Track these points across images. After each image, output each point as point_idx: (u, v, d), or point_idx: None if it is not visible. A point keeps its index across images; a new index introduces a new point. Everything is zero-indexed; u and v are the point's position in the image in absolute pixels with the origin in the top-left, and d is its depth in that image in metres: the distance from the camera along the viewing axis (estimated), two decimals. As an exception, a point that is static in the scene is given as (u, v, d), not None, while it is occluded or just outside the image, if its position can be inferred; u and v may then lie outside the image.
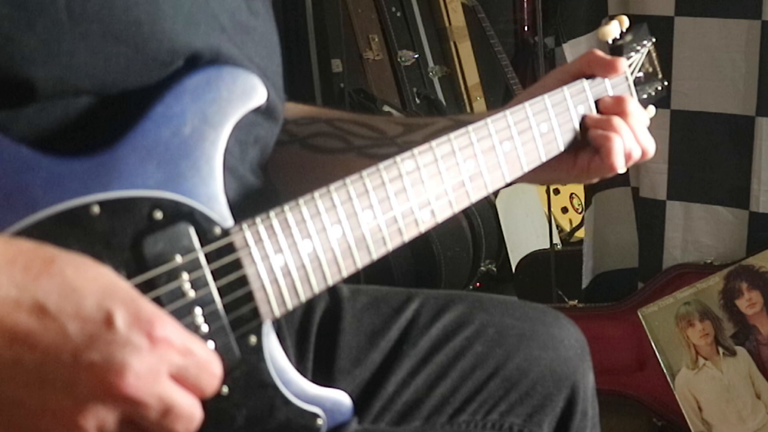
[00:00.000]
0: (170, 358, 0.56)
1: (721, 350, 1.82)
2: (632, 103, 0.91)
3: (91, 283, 0.55)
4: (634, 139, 0.89)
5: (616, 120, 0.88)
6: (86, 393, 0.53)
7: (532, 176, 0.88)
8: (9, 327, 0.52)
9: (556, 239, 2.82)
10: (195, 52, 0.67)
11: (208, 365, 0.59)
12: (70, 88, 0.63)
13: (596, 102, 0.91)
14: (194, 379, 0.58)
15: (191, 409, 0.57)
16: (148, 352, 0.54)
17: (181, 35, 0.66)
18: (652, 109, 0.98)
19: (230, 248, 0.64)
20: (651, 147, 0.91)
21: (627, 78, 0.96)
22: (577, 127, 0.90)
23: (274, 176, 0.83)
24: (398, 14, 3.43)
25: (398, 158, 0.74)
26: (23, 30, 0.60)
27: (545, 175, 0.91)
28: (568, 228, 3.01)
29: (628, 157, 0.89)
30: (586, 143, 0.90)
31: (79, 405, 0.53)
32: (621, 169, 0.88)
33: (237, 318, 0.65)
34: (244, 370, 0.65)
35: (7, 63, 0.60)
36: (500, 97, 3.68)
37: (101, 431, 0.54)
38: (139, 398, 0.54)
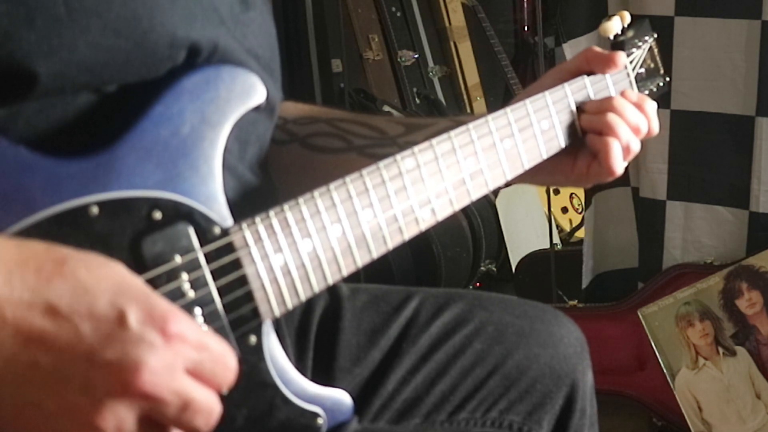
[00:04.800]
0: (185, 354, 0.56)
1: (721, 350, 1.82)
2: (616, 99, 0.89)
3: (103, 281, 0.55)
4: (630, 131, 0.88)
5: (612, 117, 0.87)
6: (103, 392, 0.53)
7: (531, 177, 0.88)
8: (24, 329, 0.52)
9: (556, 239, 2.81)
10: (194, 44, 0.67)
11: (223, 358, 0.59)
12: (70, 83, 0.62)
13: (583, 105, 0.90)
14: (210, 373, 0.58)
15: (209, 403, 0.57)
16: (163, 349, 0.54)
17: (179, 28, 0.66)
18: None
19: (230, 248, 0.64)
20: (644, 125, 0.89)
21: (628, 74, 0.96)
22: (578, 124, 0.89)
23: (273, 176, 0.82)
24: (398, 14, 3.43)
25: (398, 156, 0.74)
26: (22, 25, 0.60)
27: (544, 177, 0.91)
28: (568, 228, 3.01)
29: (627, 151, 0.88)
30: (585, 145, 0.89)
31: (97, 404, 0.53)
32: (619, 172, 0.88)
33: (237, 318, 0.65)
34: (244, 369, 0.65)
35: (7, 59, 0.60)
36: (500, 97, 3.68)
37: (120, 430, 0.54)
38: (157, 394, 0.54)
